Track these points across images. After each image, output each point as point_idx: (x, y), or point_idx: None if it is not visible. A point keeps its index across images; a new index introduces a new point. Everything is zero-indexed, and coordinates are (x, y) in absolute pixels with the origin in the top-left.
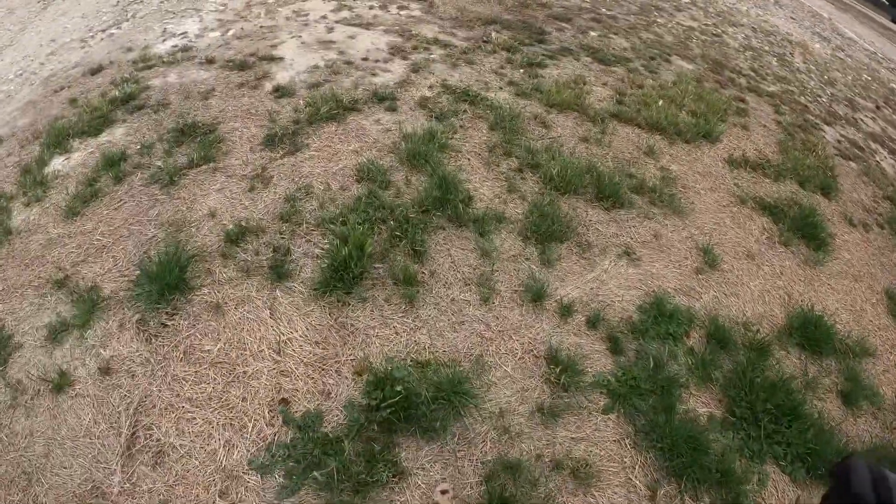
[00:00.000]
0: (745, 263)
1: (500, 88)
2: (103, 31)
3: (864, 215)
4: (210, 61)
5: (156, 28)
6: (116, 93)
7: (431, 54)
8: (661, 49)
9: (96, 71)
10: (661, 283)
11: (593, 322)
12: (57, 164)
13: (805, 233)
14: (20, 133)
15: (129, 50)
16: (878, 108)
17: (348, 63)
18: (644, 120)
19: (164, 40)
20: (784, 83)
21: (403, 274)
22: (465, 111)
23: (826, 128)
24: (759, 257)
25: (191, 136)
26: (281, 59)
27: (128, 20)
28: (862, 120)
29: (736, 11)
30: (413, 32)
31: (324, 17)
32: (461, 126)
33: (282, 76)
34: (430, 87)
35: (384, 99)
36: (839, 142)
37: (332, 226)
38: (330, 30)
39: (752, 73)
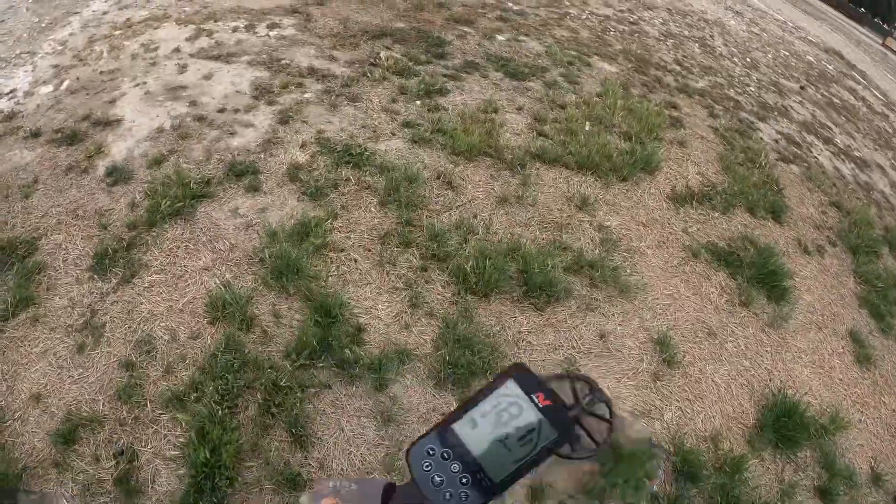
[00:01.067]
0: (706, 347)
1: (393, 134)
2: None
3: (816, 234)
4: (36, 134)
5: None
6: None
7: (305, 92)
8: (578, 50)
9: None
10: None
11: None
12: None
13: (766, 283)
14: None
15: None
16: (802, 88)
17: (200, 119)
18: (572, 157)
19: None
20: (711, 74)
21: (284, 474)
22: (347, 179)
23: (761, 125)
24: (720, 332)
25: (7, 263)
26: (119, 121)
27: None
28: (791, 108)
29: None
30: (283, 62)
31: (176, 49)
32: (343, 206)
33: (118, 150)
34: (303, 145)
35: (243, 174)
36: (777, 141)
37: (181, 413)
38: (182, 68)
39: (678, 68)
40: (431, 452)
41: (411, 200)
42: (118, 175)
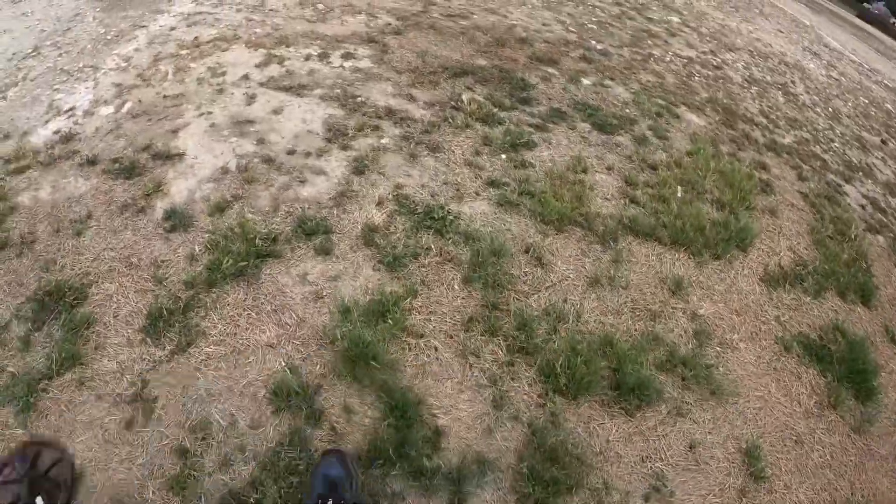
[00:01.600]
0: (793, 457)
1: (477, 194)
2: None
3: None
4: (92, 162)
5: (43, 99)
6: None
7: (382, 137)
8: (665, 98)
9: None
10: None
11: None
12: None
13: (854, 381)
14: None
15: (7, 137)
16: (883, 142)
17: (268, 161)
18: (665, 229)
19: (46, 122)
20: (797, 128)
21: None
22: (428, 249)
23: (847, 188)
24: (808, 440)
25: (54, 310)
26: (181, 155)
27: (17, 84)
28: (874, 166)
29: (728, 30)
30: (359, 99)
31: (245, 76)
32: (424, 281)
33: (178, 190)
34: (380, 202)
35: (314, 232)
36: (863, 207)
37: None
38: (251, 99)
39: (764, 121)
40: None
41: (498, 279)
42: (177, 220)
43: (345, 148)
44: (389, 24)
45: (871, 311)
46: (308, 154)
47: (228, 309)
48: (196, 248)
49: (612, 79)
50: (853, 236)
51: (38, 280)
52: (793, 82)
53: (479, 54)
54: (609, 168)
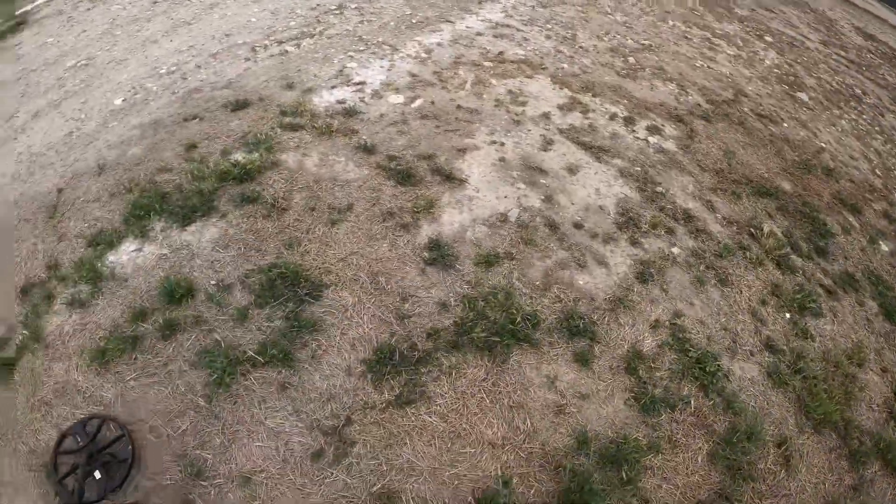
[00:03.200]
0: None
1: (751, 355)
2: (280, 42)
3: None
4: (369, 150)
5: (334, 61)
6: (233, 165)
7: (674, 244)
8: None
9: (239, 106)
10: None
11: None
12: (123, 255)
13: None
14: (122, 169)
15: (290, 87)
16: None
17: (552, 227)
18: None
19: (332, 87)
20: None
21: None
22: (687, 403)
23: None
24: None
25: (284, 296)
26: (462, 182)
27: (313, 36)
28: None
29: None
30: (659, 188)
31: (546, 115)
32: (671, 439)
33: (450, 220)
34: (653, 326)
35: (579, 334)
36: None
37: None
38: (548, 144)
39: None
40: None
41: (742, 467)
42: (439, 254)
43: (634, 243)
44: (699, 106)
45: None
46: (595, 235)
47: (464, 382)
48: (451, 297)
49: None
50: None
51: (277, 253)
52: None
53: (783, 173)
54: (884, 370)
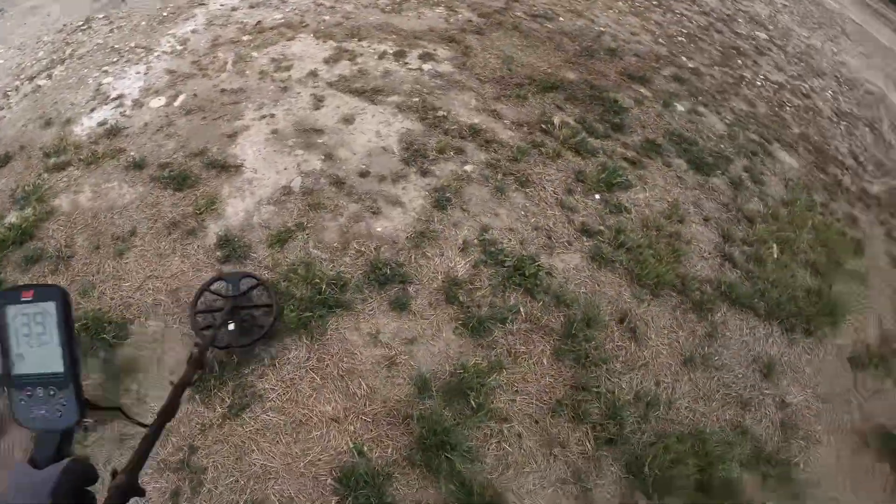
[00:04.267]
0: None
1: (569, 245)
2: (31, 78)
3: None
4: (139, 166)
5: (89, 82)
6: (8, 230)
7: (466, 163)
8: (759, 132)
9: (2, 163)
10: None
11: None
12: None
13: None
14: None
15: (48, 124)
16: None
17: (338, 184)
18: (760, 298)
19: (92, 110)
20: (885, 174)
21: None
22: (517, 312)
23: None
24: None
25: (91, 352)
26: (238, 167)
27: (63, 61)
28: None
29: (814, 51)
30: (440, 112)
31: (313, 73)
32: (511, 352)
33: (234, 210)
34: (464, 247)
35: (388, 281)
36: None
37: None
38: (319, 101)
39: (854, 163)
40: (23, 401)
41: (590, 354)
42: (232, 248)
43: (424, 173)
44: (471, 21)
45: None
46: (383, 178)
47: (289, 369)
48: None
49: (705, 105)
50: None
51: (74, 307)
52: (879, 119)
53: (566, 65)
54: (706, 219)
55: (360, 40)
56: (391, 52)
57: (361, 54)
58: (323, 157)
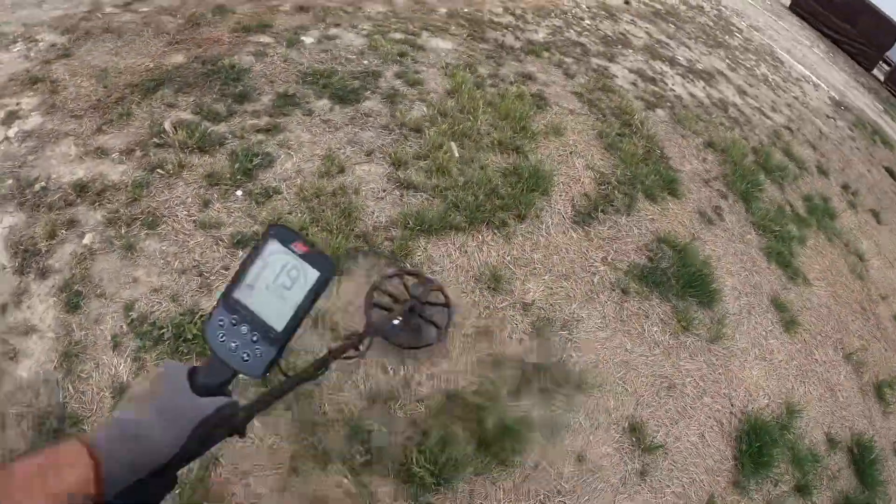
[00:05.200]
0: (672, 404)
1: (225, 270)
2: None
3: (708, 192)
4: None
5: None
6: None
7: (83, 235)
8: (403, 29)
9: None
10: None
11: None
12: None
13: (695, 288)
14: None
15: None
16: (626, 2)
17: None
18: (457, 211)
19: None
20: (543, 16)
21: None
22: None
23: (614, 68)
24: (677, 378)
25: None
26: None
27: None
28: (629, 33)
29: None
30: (38, 185)
31: None
32: None
33: None
34: (115, 345)
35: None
36: (634, 84)
37: None
38: None
39: (512, 20)
40: (221, 323)
41: None
42: None
43: (44, 274)
44: (54, 45)
45: (682, 201)
46: (5, 307)
47: None
48: None
49: (336, 25)
50: (639, 123)
51: None
52: None
53: (171, 49)
54: (368, 154)
55: None
56: None
57: None
58: None
